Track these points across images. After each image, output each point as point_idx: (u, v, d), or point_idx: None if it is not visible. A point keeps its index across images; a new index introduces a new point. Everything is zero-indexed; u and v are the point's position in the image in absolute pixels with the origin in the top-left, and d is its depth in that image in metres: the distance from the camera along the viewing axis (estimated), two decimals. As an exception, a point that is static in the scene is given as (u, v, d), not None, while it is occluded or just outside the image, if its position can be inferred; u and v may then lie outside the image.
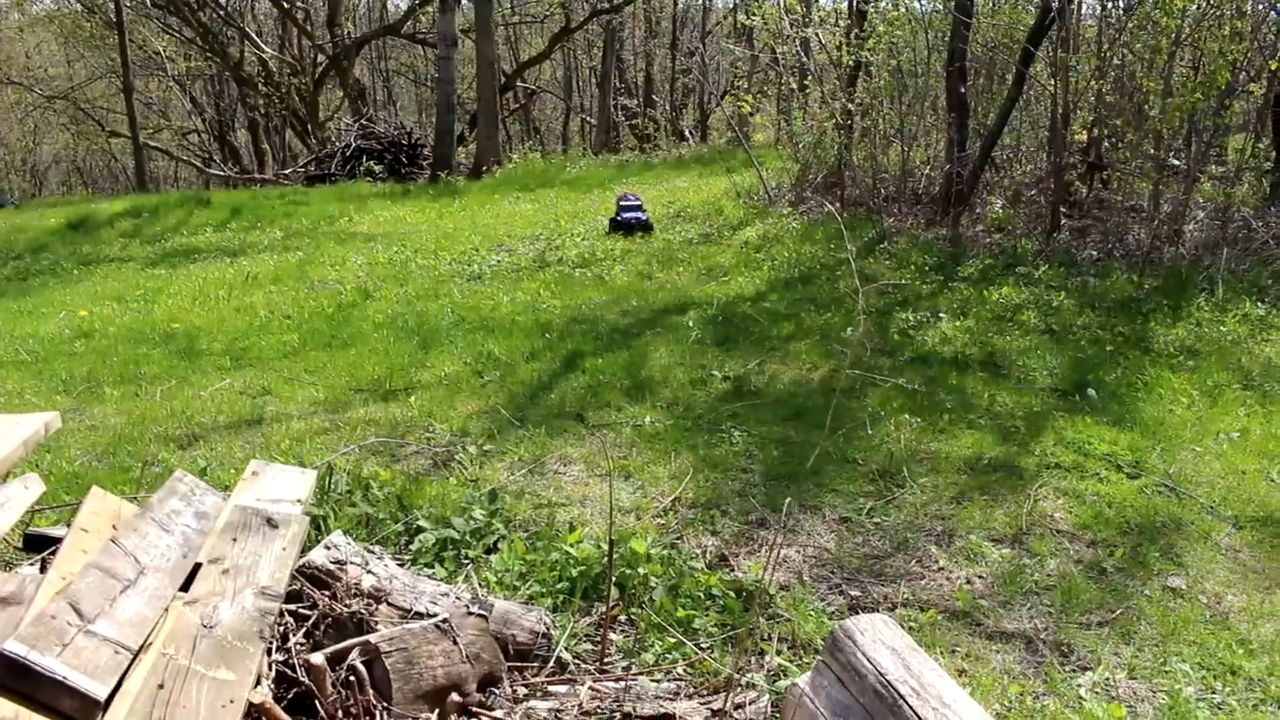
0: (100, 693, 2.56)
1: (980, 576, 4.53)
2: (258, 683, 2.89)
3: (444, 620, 3.25)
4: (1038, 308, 8.33)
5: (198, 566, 3.33)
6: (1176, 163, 10.67)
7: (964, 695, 2.94)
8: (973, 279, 9.08)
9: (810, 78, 13.56)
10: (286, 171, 23.55)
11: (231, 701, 2.73)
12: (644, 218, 12.08)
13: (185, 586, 3.23)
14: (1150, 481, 5.54)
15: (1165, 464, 5.74)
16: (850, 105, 11.95)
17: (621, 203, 12.45)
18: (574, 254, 10.69)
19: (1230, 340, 7.72)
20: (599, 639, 3.74)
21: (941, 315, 8.16)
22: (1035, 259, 9.47)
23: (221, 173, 29.39)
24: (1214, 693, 3.78)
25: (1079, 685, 3.77)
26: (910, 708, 2.84)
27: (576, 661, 3.68)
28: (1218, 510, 5.28)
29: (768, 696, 3.38)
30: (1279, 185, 11.02)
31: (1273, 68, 10.09)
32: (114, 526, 3.48)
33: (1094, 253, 9.82)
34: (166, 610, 3.04)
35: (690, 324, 8.05)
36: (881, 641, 3.11)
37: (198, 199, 16.58)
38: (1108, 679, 3.83)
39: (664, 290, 9.16)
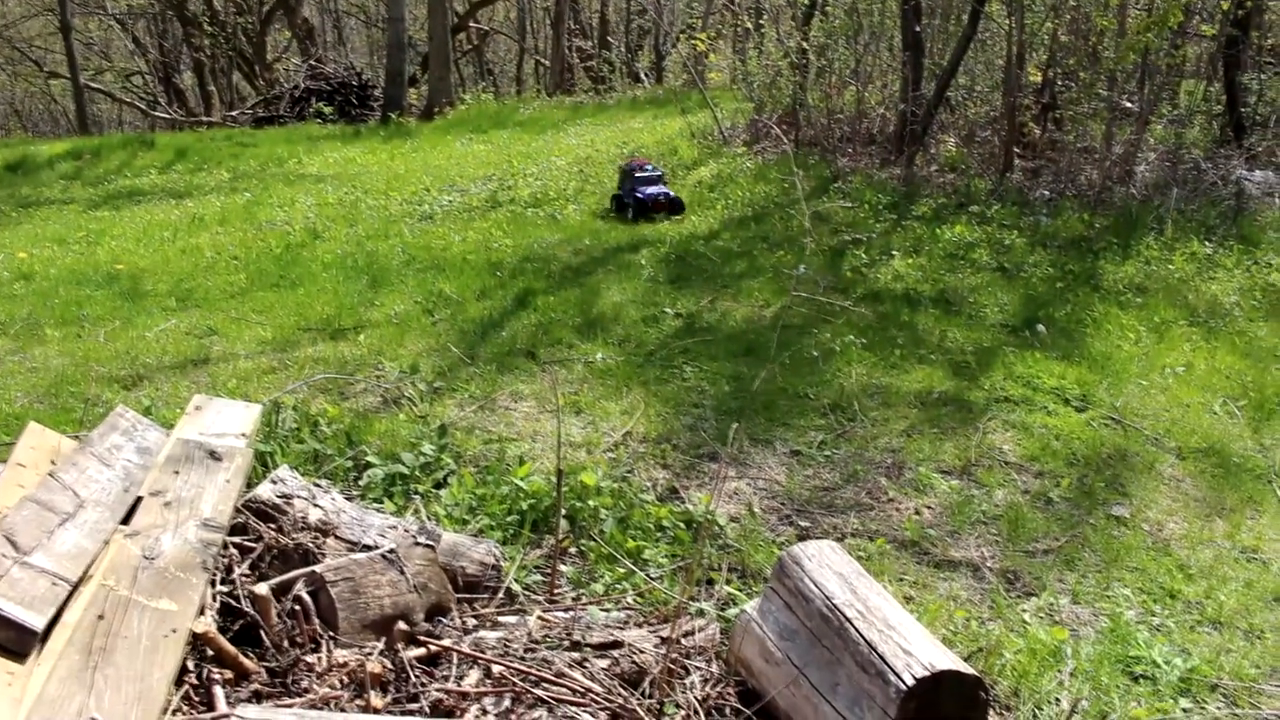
0: (37, 623, 2.52)
1: (929, 507, 4.57)
2: (201, 613, 2.86)
3: (390, 551, 3.22)
4: (990, 246, 8.36)
5: (139, 500, 3.29)
6: (1130, 105, 10.72)
7: (909, 618, 2.97)
8: (926, 218, 9.09)
9: (765, 17, 13.45)
10: (234, 113, 23.03)
11: (174, 631, 2.70)
12: (670, 194, 9.62)
13: (127, 520, 3.18)
14: (1097, 414, 5.60)
15: (1112, 397, 5.81)
16: (805, 45, 11.87)
17: (636, 174, 9.70)
18: (526, 194, 10.58)
19: (1178, 278, 7.80)
20: (549, 571, 3.73)
21: (894, 253, 8.17)
22: (988, 198, 9.49)
23: (167, 115, 28.72)
24: (1154, 615, 3.85)
25: (1024, 610, 3.82)
26: (856, 630, 2.86)
27: (526, 593, 3.68)
28: (1162, 442, 5.36)
29: (717, 624, 3.40)
30: (1229, 128, 11.11)
31: (1225, 8, 10.13)
32: (53, 462, 3.41)
33: (1046, 192, 9.86)
34: (107, 543, 2.99)
35: (643, 262, 8.01)
36: (828, 566, 3.12)
37: (141, 141, 16.22)
38: (1052, 604, 3.89)
39: (617, 230, 9.10)
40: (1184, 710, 3.27)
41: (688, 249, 8.40)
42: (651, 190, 9.48)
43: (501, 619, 3.47)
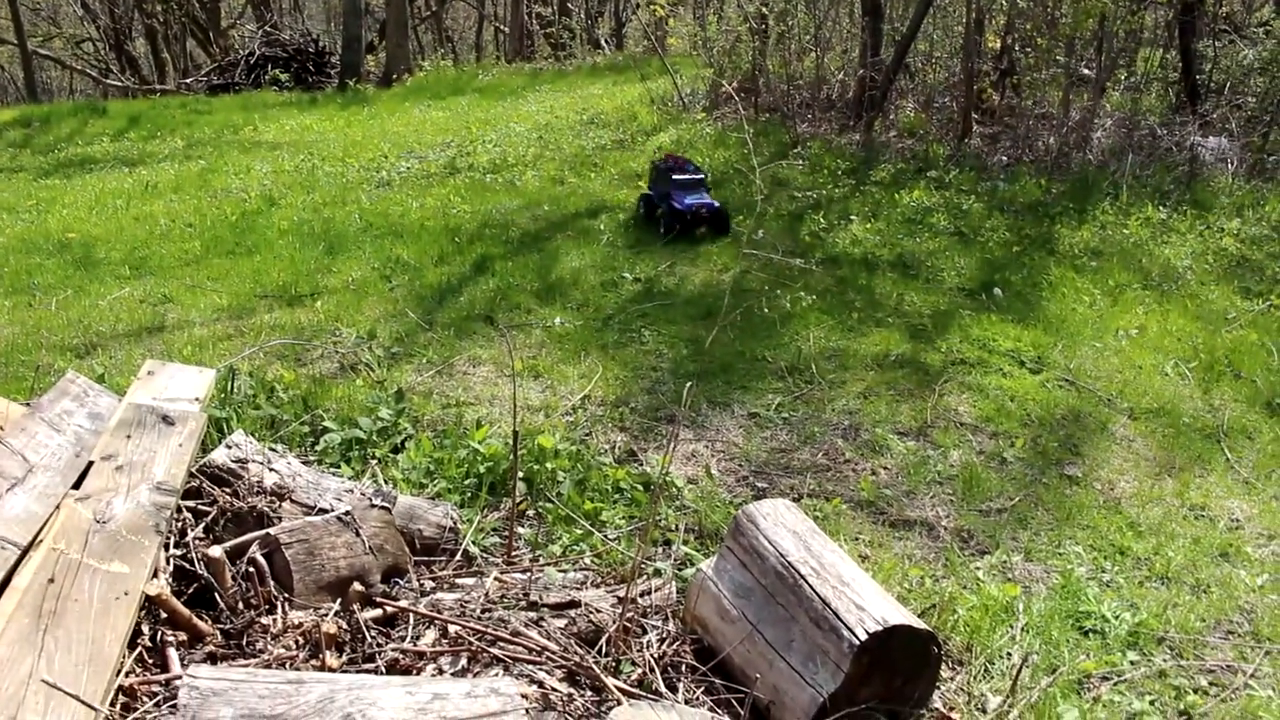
0: (-16, 587, 2.49)
1: (885, 468, 4.61)
2: (154, 575, 2.84)
3: (346, 513, 3.21)
4: (947, 211, 8.40)
5: (91, 464, 3.25)
6: (1087, 72, 10.77)
7: (863, 575, 3.00)
8: (884, 183, 9.11)
9: (725, -18, 13.37)
10: (188, 81, 22.65)
11: (125, 593, 2.67)
12: (714, 204, 7.72)
13: (79, 485, 3.15)
14: (1051, 376, 5.66)
15: (1066, 359, 5.87)
16: (765, 10, 11.82)
17: (673, 174, 7.82)
18: (485, 160, 10.50)
19: (1132, 242, 7.88)
20: (506, 533, 3.73)
21: (852, 218, 8.19)
22: (946, 164, 9.53)
23: (120, 83, 28.17)
24: (1104, 571, 3.91)
25: (977, 568, 3.87)
26: (810, 587, 2.88)
27: (484, 555, 3.68)
28: (1114, 403, 5.43)
29: (674, 584, 3.41)
30: (1184, 95, 11.19)
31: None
32: (0, 428, 3.36)
33: (1004, 158, 9.91)
34: (58, 508, 2.96)
35: (602, 228, 7.99)
36: (783, 524, 3.15)
37: (92, 108, 15.92)
38: (1005, 561, 3.94)
39: (576, 195, 9.05)
40: (1131, 663, 3.34)
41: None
42: (691, 200, 7.59)
43: (459, 581, 3.46)
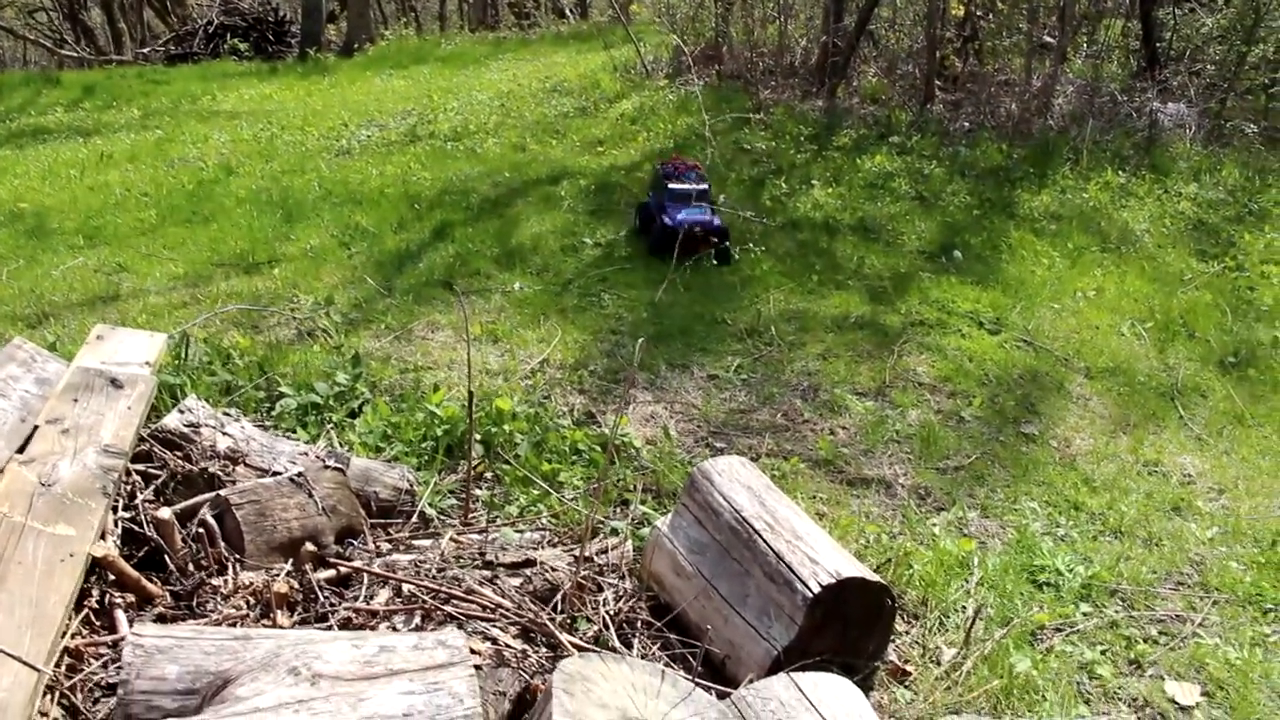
0: (-77, 548, 2.45)
1: (844, 428, 4.62)
2: (102, 538, 2.80)
3: (299, 474, 3.18)
4: (909, 176, 8.41)
5: (36, 429, 3.20)
6: (1049, 39, 10.80)
7: (817, 529, 3.01)
8: (846, 148, 9.10)
9: (688, -51, 13.26)
10: (145, 51, 22.26)
11: (71, 555, 2.64)
12: (715, 221, 6.49)
13: (24, 449, 3.10)
14: (1010, 337, 5.69)
15: (1024, 320, 5.90)
16: (728, -24, 11.75)
17: (670, 181, 6.67)
18: (446, 128, 10.40)
19: (1091, 206, 7.92)
20: (464, 495, 3.71)
21: (814, 183, 8.18)
22: (909, 130, 9.53)
23: (75, 54, 27.65)
24: (1058, 526, 3.94)
25: (933, 525, 3.89)
26: (765, 541, 2.89)
27: (441, 517, 3.66)
28: (1071, 362, 5.47)
29: (630, 542, 3.41)
30: (1144, 61, 11.23)
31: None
32: (-57, 392, 3.31)
33: (966, 124, 9.92)
34: (1, 471, 2.91)
35: (563, 195, 7.94)
36: (738, 481, 3.15)
37: (45, 78, 15.60)
38: (961, 518, 3.96)
39: (538, 162, 8.99)
40: (1084, 614, 3.37)
41: (609, 180, 8.33)
42: (685, 215, 6.36)
43: (415, 542, 3.44)
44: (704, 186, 6.68)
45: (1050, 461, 4.46)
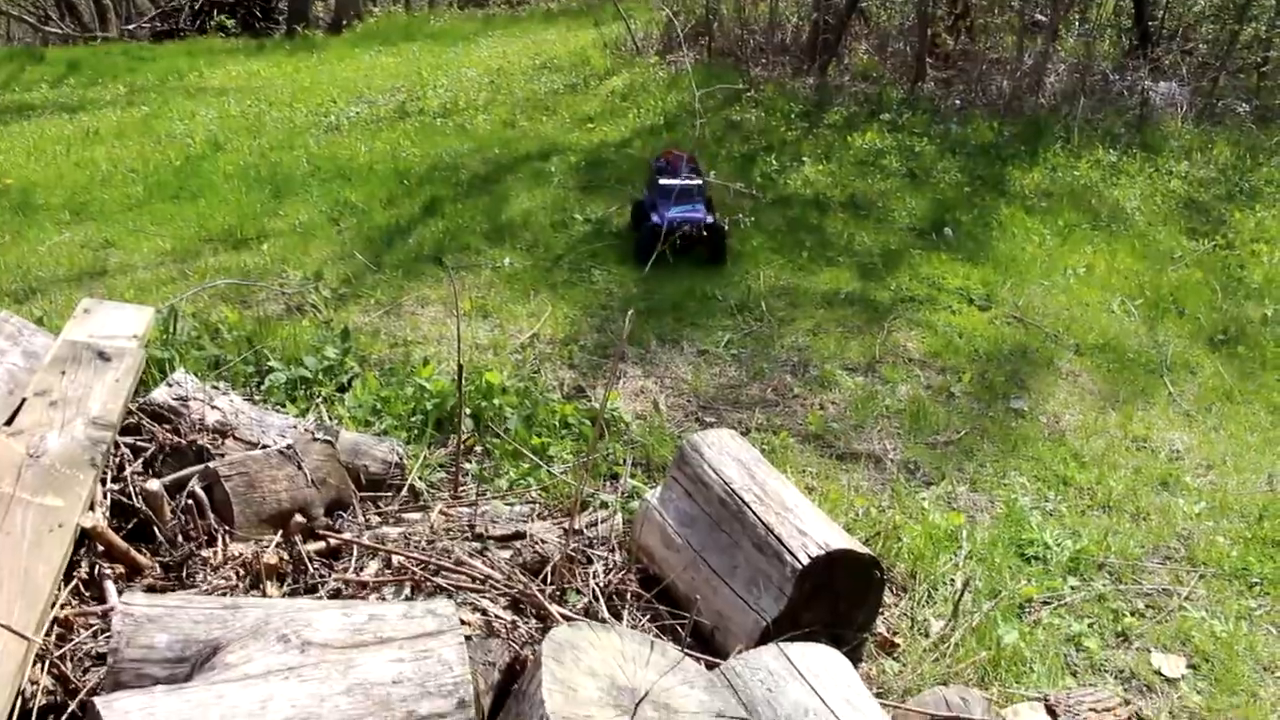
0: (-90, 519, 2.44)
1: (834, 403, 4.63)
2: (91, 509, 2.79)
3: (288, 447, 3.17)
4: (900, 153, 8.39)
5: (24, 401, 3.19)
6: (1041, 17, 10.78)
7: (806, 501, 3.01)
8: (837, 126, 9.08)
9: (679, -76, 13.18)
10: (131, 27, 22.09)
11: (59, 525, 2.63)
12: (708, 219, 6.08)
13: (11, 422, 3.09)
14: (1000, 313, 5.70)
15: (1015, 297, 5.91)
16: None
17: (660, 177, 6.25)
18: (436, 104, 10.34)
19: (1082, 184, 7.92)
20: (453, 468, 3.71)
21: (805, 160, 8.16)
22: (900, 107, 9.51)
23: (60, 30, 27.41)
24: (1047, 501, 3.96)
25: (923, 498, 3.90)
26: (754, 513, 2.89)
27: (431, 490, 3.65)
28: (1061, 339, 5.48)
29: (620, 515, 3.41)
30: (1136, 40, 11.22)
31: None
32: (-71, 365, 3.29)
33: (957, 101, 9.91)
34: (-11, 444, 2.90)
35: (553, 170, 7.90)
36: (727, 453, 3.15)
37: (30, 54, 15.49)
38: (950, 492, 3.98)
39: (528, 139, 8.95)
40: (1072, 587, 3.39)
41: (599, 156, 8.30)
42: (675, 213, 5.96)
43: (405, 515, 3.44)
44: (698, 182, 6.27)
45: (1039, 437, 4.48)
